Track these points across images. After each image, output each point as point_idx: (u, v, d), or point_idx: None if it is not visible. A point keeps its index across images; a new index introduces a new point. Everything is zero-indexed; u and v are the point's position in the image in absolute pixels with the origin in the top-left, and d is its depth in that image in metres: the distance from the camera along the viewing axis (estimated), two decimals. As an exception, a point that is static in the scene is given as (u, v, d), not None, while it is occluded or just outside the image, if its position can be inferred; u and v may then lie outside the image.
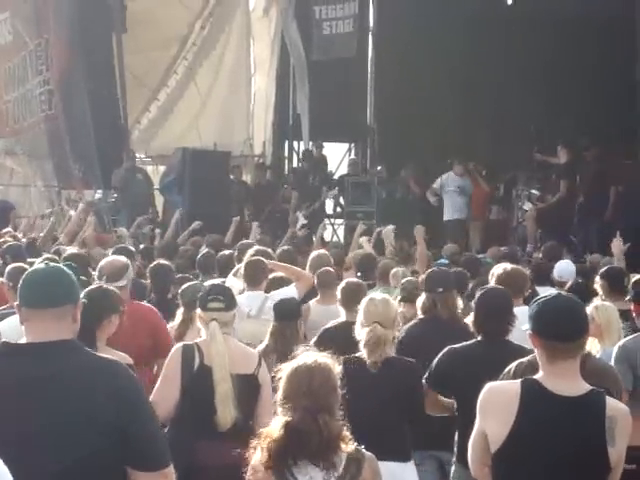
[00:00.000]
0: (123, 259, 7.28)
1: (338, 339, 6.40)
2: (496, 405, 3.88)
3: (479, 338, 5.76)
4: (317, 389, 3.91)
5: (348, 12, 17.71)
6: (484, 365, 4.93)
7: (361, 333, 5.80)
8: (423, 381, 5.79)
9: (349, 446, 3.94)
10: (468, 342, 5.85)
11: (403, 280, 8.09)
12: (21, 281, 3.63)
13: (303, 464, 3.87)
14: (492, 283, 6.35)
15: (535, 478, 3.83)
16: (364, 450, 4.02)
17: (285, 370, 4.00)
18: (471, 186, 15.88)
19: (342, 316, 7.03)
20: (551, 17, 16.86)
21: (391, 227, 11.98)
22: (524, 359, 4.76)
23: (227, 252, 9.77)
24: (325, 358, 4.03)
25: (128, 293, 6.70)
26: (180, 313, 7.01)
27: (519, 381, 3.92)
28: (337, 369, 4.01)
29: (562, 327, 3.86)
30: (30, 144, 21.24)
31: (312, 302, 8.22)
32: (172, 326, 7.06)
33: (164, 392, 5.56)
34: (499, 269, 7.18)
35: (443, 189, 15.80)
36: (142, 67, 19.22)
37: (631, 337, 6.16)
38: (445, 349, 5.83)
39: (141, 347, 6.20)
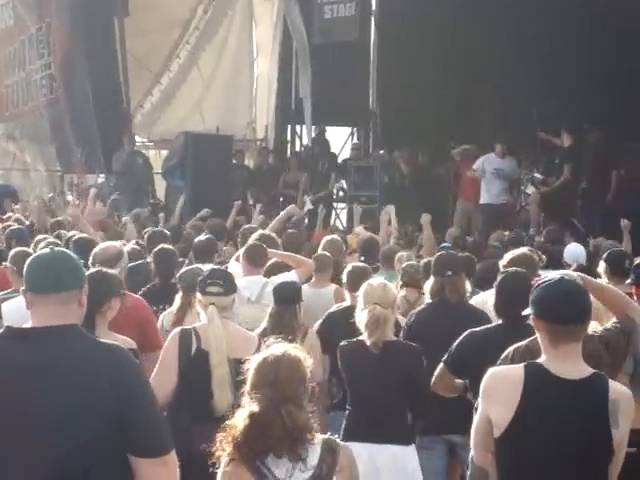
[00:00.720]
0: (117, 246, 7.27)
1: (342, 323, 6.41)
2: (500, 389, 3.88)
3: (500, 322, 5.70)
4: (283, 380, 3.87)
5: (350, -5, 17.65)
6: (505, 349, 4.90)
7: (361, 315, 5.80)
8: (441, 363, 5.72)
9: (318, 436, 3.91)
10: (489, 326, 5.80)
11: (404, 264, 8.09)
12: (26, 266, 3.62)
13: (276, 456, 3.84)
14: (502, 267, 6.31)
15: (540, 461, 3.83)
16: (337, 439, 4.00)
17: (255, 360, 3.98)
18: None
19: (347, 300, 7.02)
20: None
21: (391, 207, 11.95)
22: (522, 343, 4.76)
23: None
24: (296, 349, 3.99)
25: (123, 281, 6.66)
26: (179, 297, 6.98)
27: (522, 365, 3.93)
28: (308, 362, 3.97)
29: (565, 311, 3.87)
30: (31, 128, 21.25)
31: (304, 285, 8.24)
32: (171, 311, 7.05)
33: (162, 377, 5.55)
34: (507, 254, 7.14)
35: (482, 171, 15.17)
36: (144, 51, 19.20)
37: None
38: (466, 333, 5.75)
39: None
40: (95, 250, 7.10)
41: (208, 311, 5.59)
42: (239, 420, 3.87)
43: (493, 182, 15.19)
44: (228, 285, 5.74)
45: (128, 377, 3.47)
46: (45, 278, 3.55)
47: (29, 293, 3.55)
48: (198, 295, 5.74)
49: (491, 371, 4.00)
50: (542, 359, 3.91)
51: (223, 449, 3.87)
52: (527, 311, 4.05)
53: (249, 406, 3.88)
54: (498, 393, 3.88)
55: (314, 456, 3.87)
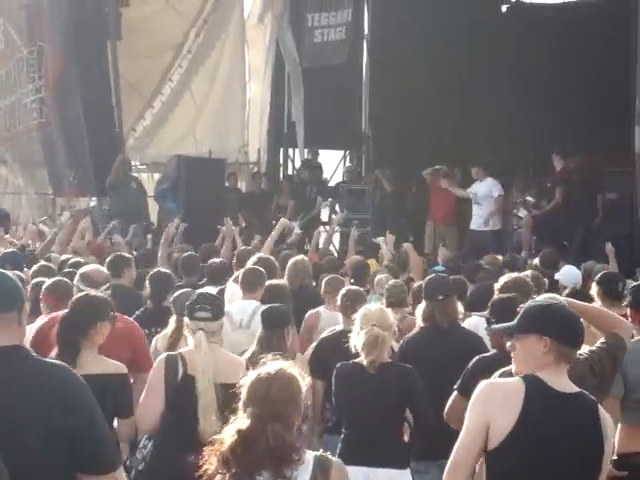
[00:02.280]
0: (103, 270, 7.28)
1: (335, 347, 6.38)
2: (500, 398, 3.91)
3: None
4: (274, 397, 3.84)
5: (340, 20, 17.72)
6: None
7: (358, 337, 5.77)
8: (454, 392, 5.67)
9: (309, 454, 3.88)
10: (497, 351, 5.72)
11: (388, 285, 8.08)
12: None
13: (266, 475, 3.81)
14: (497, 292, 6.30)
15: (537, 470, 3.86)
16: (329, 456, 3.97)
17: (249, 377, 3.96)
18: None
19: (340, 323, 7.01)
20: (546, 22, 16.89)
21: (391, 237, 11.95)
22: (507, 369, 4.70)
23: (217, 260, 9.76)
24: (291, 367, 3.96)
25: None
26: (173, 321, 6.96)
27: (520, 377, 3.99)
28: (304, 380, 3.95)
29: (577, 334, 4.04)
30: (22, 152, 21.25)
31: (321, 308, 8.24)
32: (165, 334, 7.02)
33: (148, 403, 5.53)
34: (502, 278, 7.14)
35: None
36: (137, 74, 19.21)
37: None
38: (475, 358, 5.74)
39: (121, 360, 6.14)
40: (81, 271, 7.10)
41: (196, 336, 5.56)
42: (227, 435, 3.84)
43: (473, 207, 15.23)
44: (216, 310, 5.72)
45: (75, 396, 3.47)
46: None
47: None
48: (186, 319, 5.72)
49: (488, 382, 4.05)
50: (540, 374, 3.97)
51: (211, 463, 3.85)
52: (530, 329, 4.03)
53: (239, 422, 3.86)
54: (499, 401, 3.90)
55: (305, 474, 3.84)
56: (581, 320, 4.11)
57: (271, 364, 3.98)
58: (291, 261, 9.29)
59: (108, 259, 8.89)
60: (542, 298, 4.22)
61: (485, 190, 15.08)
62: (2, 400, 3.39)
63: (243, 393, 3.93)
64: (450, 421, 5.80)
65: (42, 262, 10.17)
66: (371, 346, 5.71)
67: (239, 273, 8.37)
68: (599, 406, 4.00)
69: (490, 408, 3.90)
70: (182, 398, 5.44)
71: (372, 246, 12.26)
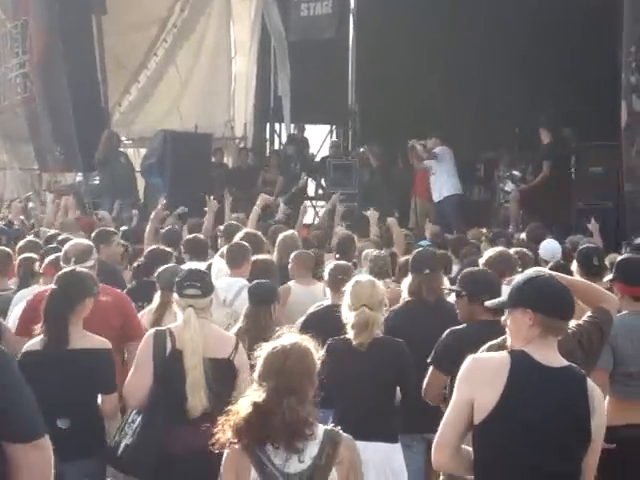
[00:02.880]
0: (86, 242, 7.28)
1: (324, 322, 6.40)
2: (486, 372, 3.93)
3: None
4: (289, 370, 3.87)
5: (327, -7, 17.65)
6: (485, 344, 4.92)
7: (349, 316, 5.78)
8: (430, 368, 5.74)
9: (320, 429, 3.91)
10: (469, 324, 5.83)
11: (371, 256, 8.09)
12: None
13: (276, 446, 3.85)
14: (482, 266, 6.33)
15: (523, 444, 3.87)
16: (340, 430, 3.99)
17: (264, 349, 3.97)
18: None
19: (328, 298, 7.02)
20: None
21: (375, 213, 11.99)
22: (496, 341, 4.77)
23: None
24: (307, 341, 3.99)
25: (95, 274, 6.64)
26: (157, 296, 6.97)
27: (507, 352, 4.00)
28: (318, 353, 3.98)
29: (564, 306, 4.03)
30: (6, 127, 21.14)
31: (292, 283, 8.24)
32: (150, 309, 7.04)
33: (137, 378, 5.54)
34: (486, 252, 7.17)
35: None
36: (122, 49, 19.13)
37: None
38: (447, 332, 5.80)
39: (111, 331, 6.17)
40: (65, 247, 7.11)
41: (186, 313, 5.56)
42: (242, 407, 3.87)
43: (430, 179, 15.54)
44: (205, 286, 5.73)
45: None
46: None
47: None
48: (175, 296, 5.71)
49: (473, 356, 4.06)
50: (524, 348, 3.98)
51: (224, 432, 3.87)
52: (512, 302, 4.07)
53: (254, 394, 3.88)
54: (484, 376, 3.91)
55: (314, 447, 3.87)
56: (570, 292, 4.11)
57: (286, 337, 4.00)
58: (281, 236, 9.29)
59: (92, 234, 8.88)
60: (529, 272, 4.21)
61: (438, 159, 15.33)
62: None
63: (258, 365, 3.95)
64: (428, 397, 5.85)
65: (29, 237, 10.17)
66: (361, 329, 5.71)
67: (224, 249, 8.35)
68: (588, 379, 4.00)
69: (475, 383, 3.91)
70: (170, 373, 5.45)
71: (360, 220, 12.26)
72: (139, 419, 5.53)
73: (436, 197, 15.57)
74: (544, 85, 16.57)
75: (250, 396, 3.89)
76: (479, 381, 3.90)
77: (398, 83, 17.52)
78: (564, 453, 3.91)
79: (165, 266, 7.25)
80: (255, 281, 6.95)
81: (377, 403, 5.71)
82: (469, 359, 4.02)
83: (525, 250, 8.35)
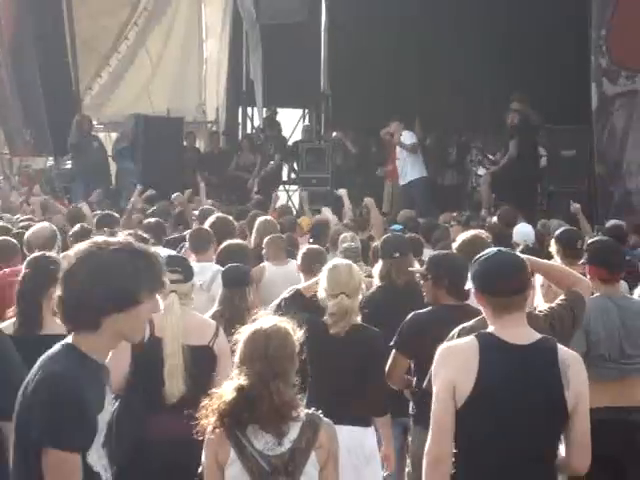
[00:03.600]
0: (49, 227, 7.20)
1: (295, 307, 6.38)
2: (459, 358, 3.93)
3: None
4: (272, 354, 3.86)
5: (299, -24, 17.57)
6: (447, 328, 4.95)
7: (326, 302, 5.75)
8: (392, 351, 5.78)
9: (302, 412, 3.91)
10: (431, 307, 5.88)
11: (343, 246, 8.07)
12: None
13: (257, 428, 3.84)
14: (455, 250, 6.35)
15: (501, 425, 3.88)
16: (321, 415, 3.99)
17: (243, 333, 3.95)
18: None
19: (301, 281, 7.02)
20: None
21: (343, 190, 12.01)
22: (467, 324, 4.80)
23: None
24: (285, 323, 3.97)
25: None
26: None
27: (473, 335, 4.01)
28: (297, 335, 3.96)
29: (504, 282, 3.99)
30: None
31: (266, 262, 8.25)
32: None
33: (114, 364, 5.49)
34: (460, 236, 7.18)
35: None
36: (93, 33, 19.01)
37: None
38: (410, 315, 5.86)
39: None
40: (26, 236, 7.03)
41: (168, 299, 5.52)
42: (226, 392, 3.85)
43: (396, 163, 15.66)
44: (187, 271, 5.71)
45: None
46: None
47: None
48: None
49: (445, 345, 4.07)
50: (490, 329, 4.00)
51: (207, 417, 3.86)
52: (468, 285, 4.14)
53: (237, 379, 3.86)
54: (458, 361, 3.92)
55: (295, 430, 3.87)
56: (519, 267, 4.04)
57: (264, 319, 3.99)
58: (260, 220, 9.28)
59: (74, 230, 8.78)
60: (483, 252, 4.17)
61: (407, 145, 15.41)
62: None
63: (239, 350, 3.92)
64: (391, 380, 5.88)
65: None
66: (339, 318, 5.70)
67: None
68: (560, 349, 3.97)
69: (451, 371, 3.91)
70: (148, 360, 5.41)
71: (331, 202, 12.25)
72: (116, 405, 5.52)
73: (402, 181, 15.62)
74: (516, 68, 16.59)
75: (233, 380, 3.87)
76: (454, 369, 3.90)
77: (370, 67, 17.51)
78: (537, 432, 3.92)
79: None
80: (228, 265, 6.93)
81: (351, 387, 5.72)
82: (440, 349, 4.00)
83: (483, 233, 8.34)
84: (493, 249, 4.17)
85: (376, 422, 5.92)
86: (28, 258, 5.89)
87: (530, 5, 16.43)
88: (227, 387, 3.87)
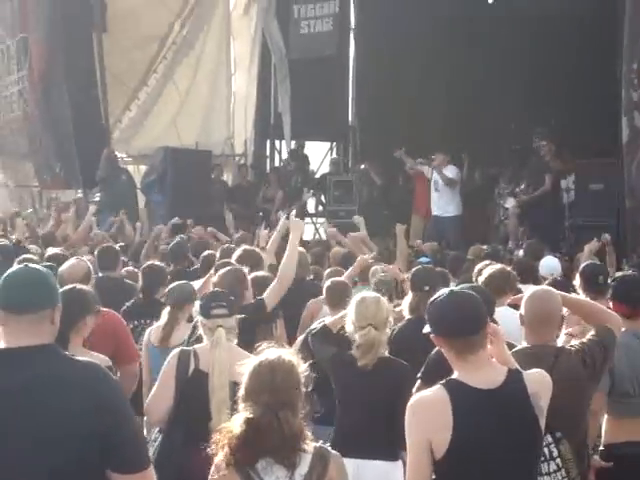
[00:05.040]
0: (84, 263, 7.23)
1: (322, 342, 6.35)
2: (433, 413, 3.86)
3: None
4: (279, 385, 3.85)
5: (327, 11, 17.72)
6: None
7: (354, 334, 5.73)
8: (418, 381, 5.72)
9: (311, 444, 3.88)
10: None
11: (375, 279, 8.03)
12: (0, 282, 3.54)
13: (268, 463, 3.81)
14: (482, 285, 6.30)
15: (484, 471, 3.86)
16: (329, 448, 3.97)
17: (248, 365, 3.95)
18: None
19: (327, 315, 6.99)
20: (532, 14, 16.87)
21: (360, 218, 11.92)
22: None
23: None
24: (289, 354, 3.97)
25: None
26: (166, 313, 6.99)
27: (440, 385, 3.92)
28: (302, 366, 3.95)
29: (459, 323, 3.93)
30: (3, 144, 21.13)
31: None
32: (158, 326, 7.04)
33: (158, 396, 5.51)
34: (486, 270, 7.13)
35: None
36: (122, 67, 19.17)
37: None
38: (436, 348, 5.81)
39: (104, 354, 6.11)
40: (61, 270, 7.04)
41: (216, 334, 5.47)
42: (235, 425, 3.83)
43: (432, 195, 15.52)
44: (231, 305, 5.68)
45: (108, 396, 3.43)
46: (18, 297, 3.47)
47: (1, 311, 3.46)
48: (201, 319, 5.64)
49: (416, 400, 3.96)
50: (455, 374, 3.94)
51: (216, 453, 3.84)
52: (426, 329, 4.06)
53: (245, 412, 3.84)
54: (430, 418, 3.85)
55: (305, 464, 3.84)
56: (471, 305, 3.98)
57: (268, 351, 3.98)
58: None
59: (97, 251, 8.88)
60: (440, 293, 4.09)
61: (446, 177, 15.28)
62: (34, 403, 3.33)
63: (244, 382, 3.92)
64: None
65: (27, 255, 10.14)
66: (367, 350, 5.68)
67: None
68: (527, 385, 3.92)
69: (424, 428, 3.85)
70: (192, 394, 5.39)
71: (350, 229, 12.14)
72: (160, 438, 5.52)
73: (438, 212, 15.49)
74: (544, 102, 16.59)
75: (241, 414, 3.85)
76: (427, 423, 3.84)
77: (398, 100, 17.55)
78: (520, 468, 3.90)
79: (176, 283, 7.25)
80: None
81: (379, 421, 5.68)
82: (413, 403, 3.93)
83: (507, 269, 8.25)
84: (446, 290, 4.09)
85: (404, 456, 5.86)
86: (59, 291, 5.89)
87: (559, 38, 16.45)
88: (235, 421, 3.85)
